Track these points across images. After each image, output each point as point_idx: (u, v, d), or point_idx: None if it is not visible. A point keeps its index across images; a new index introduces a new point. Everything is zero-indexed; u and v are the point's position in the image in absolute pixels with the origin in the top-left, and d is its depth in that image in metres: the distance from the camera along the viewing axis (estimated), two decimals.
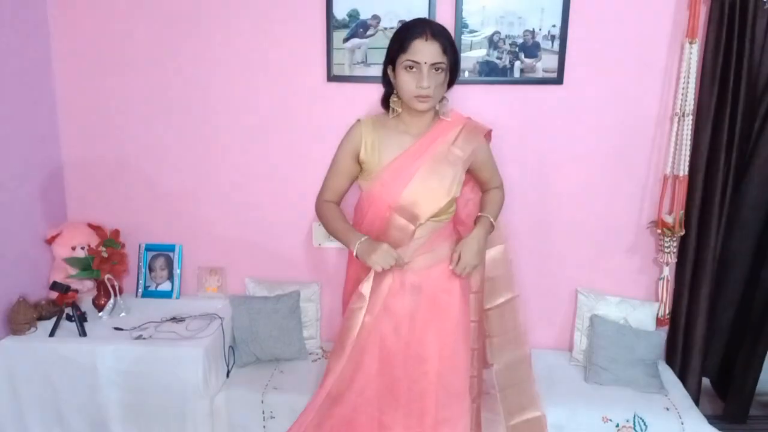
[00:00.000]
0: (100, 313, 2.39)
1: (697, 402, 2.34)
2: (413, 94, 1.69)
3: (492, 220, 1.85)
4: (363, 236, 1.74)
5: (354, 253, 1.73)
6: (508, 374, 2.05)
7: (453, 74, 1.75)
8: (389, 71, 1.75)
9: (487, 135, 1.92)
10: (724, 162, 2.24)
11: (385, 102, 1.83)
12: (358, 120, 1.84)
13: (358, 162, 1.82)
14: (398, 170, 1.76)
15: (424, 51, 1.64)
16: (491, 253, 2.02)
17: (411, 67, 1.66)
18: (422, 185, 1.75)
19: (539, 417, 2.05)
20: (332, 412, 1.79)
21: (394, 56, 1.70)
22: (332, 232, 1.84)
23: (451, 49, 1.68)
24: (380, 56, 2.32)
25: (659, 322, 2.40)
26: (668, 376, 2.35)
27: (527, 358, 2.08)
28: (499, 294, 2.04)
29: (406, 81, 1.68)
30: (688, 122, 2.24)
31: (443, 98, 1.79)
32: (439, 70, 1.68)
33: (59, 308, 2.31)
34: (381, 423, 1.80)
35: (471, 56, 2.32)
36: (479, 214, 1.87)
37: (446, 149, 1.78)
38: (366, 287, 1.74)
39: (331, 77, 2.38)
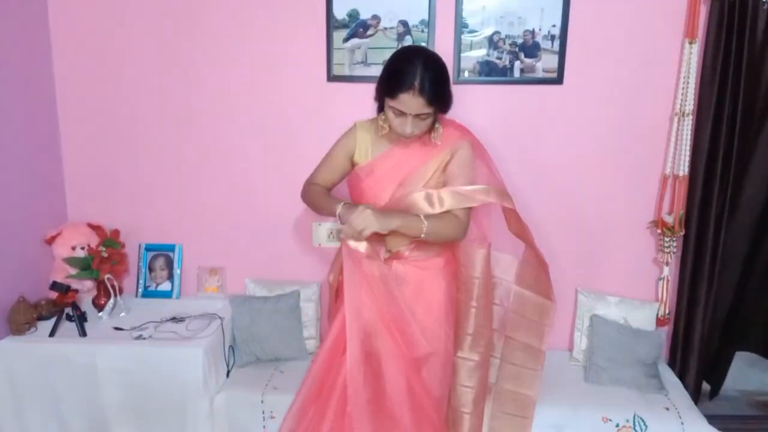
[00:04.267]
0: (100, 313, 2.39)
1: (697, 402, 2.34)
2: (399, 132, 1.74)
3: (424, 228, 1.70)
4: (346, 201, 1.76)
5: (337, 214, 1.73)
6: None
7: (445, 106, 1.74)
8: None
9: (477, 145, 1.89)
10: (724, 162, 2.24)
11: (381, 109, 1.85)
12: (355, 123, 1.90)
13: (352, 163, 1.88)
14: (383, 179, 1.80)
15: (410, 104, 1.65)
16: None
17: (397, 114, 1.69)
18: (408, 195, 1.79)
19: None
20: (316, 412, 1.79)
21: (383, 95, 1.71)
22: (317, 208, 1.85)
23: (437, 96, 1.66)
24: (380, 56, 2.34)
25: (659, 322, 2.40)
26: (668, 376, 2.35)
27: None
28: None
29: (393, 120, 1.72)
30: (688, 122, 2.24)
31: (435, 123, 1.78)
32: (425, 117, 1.70)
33: (59, 308, 2.30)
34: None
35: (471, 56, 2.32)
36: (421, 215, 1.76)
37: (432, 173, 1.80)
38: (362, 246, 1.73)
39: (331, 77, 2.38)
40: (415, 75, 1.62)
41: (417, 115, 1.67)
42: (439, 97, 1.67)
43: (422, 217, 1.71)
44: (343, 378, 1.74)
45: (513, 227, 2.01)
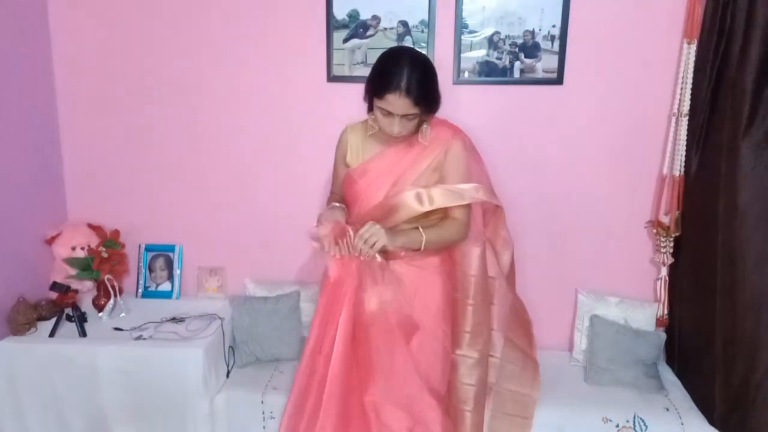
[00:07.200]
0: (100, 314, 2.39)
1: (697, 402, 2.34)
2: (387, 132, 1.75)
3: (423, 241, 1.73)
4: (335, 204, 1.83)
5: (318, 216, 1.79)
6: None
7: (432, 106, 1.75)
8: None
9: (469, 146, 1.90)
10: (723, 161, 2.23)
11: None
12: (346, 127, 1.92)
13: (347, 167, 1.89)
14: (377, 179, 1.81)
15: (397, 104, 1.66)
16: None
17: (385, 114, 1.70)
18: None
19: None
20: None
21: (371, 95, 1.72)
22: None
23: (423, 96, 1.67)
24: None
25: (659, 322, 2.40)
26: (668, 376, 2.35)
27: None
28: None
29: (380, 120, 1.73)
30: (687, 122, 2.24)
31: (423, 123, 1.79)
32: (412, 117, 1.71)
33: (59, 308, 2.31)
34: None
35: (471, 56, 2.33)
36: (419, 227, 1.76)
37: (425, 172, 1.80)
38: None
39: (331, 77, 2.38)
40: (402, 76, 1.63)
41: (404, 116, 1.68)
42: (425, 97, 1.68)
43: (421, 230, 1.74)
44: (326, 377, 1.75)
45: (489, 231, 2.03)
